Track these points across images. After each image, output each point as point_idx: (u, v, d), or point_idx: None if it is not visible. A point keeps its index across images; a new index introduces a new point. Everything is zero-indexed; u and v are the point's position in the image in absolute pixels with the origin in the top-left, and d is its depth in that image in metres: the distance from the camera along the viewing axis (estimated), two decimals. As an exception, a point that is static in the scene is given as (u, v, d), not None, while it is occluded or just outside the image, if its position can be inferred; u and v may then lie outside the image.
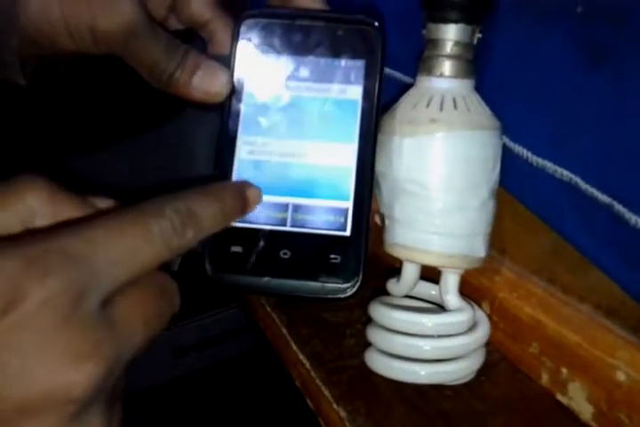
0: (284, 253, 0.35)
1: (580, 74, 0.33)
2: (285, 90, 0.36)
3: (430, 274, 0.40)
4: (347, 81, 0.36)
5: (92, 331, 0.22)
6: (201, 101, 0.36)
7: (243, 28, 0.36)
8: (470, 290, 0.41)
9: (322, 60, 0.36)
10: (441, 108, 0.36)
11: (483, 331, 0.38)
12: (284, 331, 0.45)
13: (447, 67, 0.36)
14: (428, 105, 0.36)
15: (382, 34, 0.36)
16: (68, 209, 0.25)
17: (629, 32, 0.31)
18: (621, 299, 0.33)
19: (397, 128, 0.36)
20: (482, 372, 0.39)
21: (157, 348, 1.12)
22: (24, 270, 0.21)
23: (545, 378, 0.38)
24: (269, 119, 0.36)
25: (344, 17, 0.36)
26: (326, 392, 0.39)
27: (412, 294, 0.41)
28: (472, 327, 0.38)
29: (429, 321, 0.37)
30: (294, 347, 0.43)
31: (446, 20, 0.35)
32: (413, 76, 0.38)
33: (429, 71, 0.36)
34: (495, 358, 0.41)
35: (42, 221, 0.25)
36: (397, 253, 0.38)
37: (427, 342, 0.37)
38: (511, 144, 0.38)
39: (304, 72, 0.36)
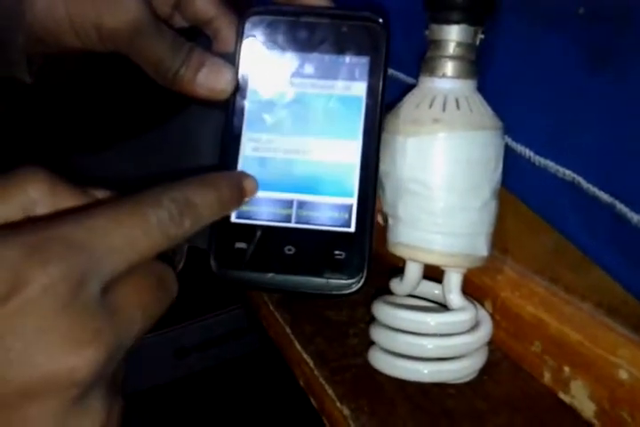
0: (289, 250, 0.35)
1: (582, 74, 0.34)
2: (290, 87, 0.36)
3: (433, 273, 0.40)
4: (351, 78, 0.36)
5: (93, 317, 0.22)
6: (206, 98, 0.36)
7: (247, 26, 0.36)
8: (473, 289, 0.41)
9: (326, 57, 0.36)
10: (443, 109, 0.36)
11: (485, 330, 0.38)
12: (288, 330, 0.45)
13: (450, 67, 0.36)
14: (430, 105, 0.36)
15: (387, 30, 0.36)
16: (67, 200, 0.26)
17: (631, 33, 0.31)
18: (623, 298, 0.34)
19: (401, 128, 0.36)
20: (484, 371, 0.39)
21: (159, 348, 1.12)
22: (26, 257, 0.21)
23: (547, 377, 0.38)
24: (274, 116, 0.36)
25: (349, 14, 0.36)
26: (330, 391, 0.39)
27: (415, 293, 0.41)
28: (474, 326, 0.38)
29: (432, 320, 0.38)
30: (298, 346, 0.44)
31: (449, 21, 0.36)
32: (416, 76, 0.38)
33: (432, 72, 0.37)
34: (497, 356, 0.41)
35: (42, 211, 0.25)
36: (400, 252, 0.38)
37: (430, 340, 0.37)
38: (513, 144, 0.38)
39: (308, 69, 0.36)
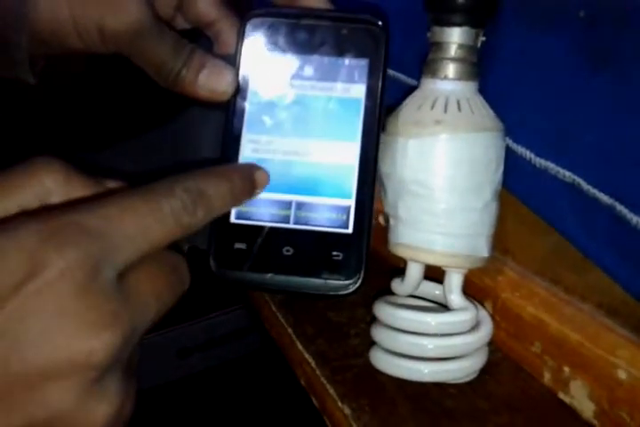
0: (287, 250, 0.35)
1: (583, 76, 0.34)
2: (290, 88, 0.37)
3: (434, 274, 0.40)
4: (350, 80, 0.36)
5: (109, 301, 0.23)
6: (207, 100, 0.36)
7: (248, 28, 0.37)
8: (473, 290, 0.41)
9: (326, 59, 0.36)
10: (445, 110, 0.36)
11: (486, 330, 0.39)
12: (290, 330, 0.46)
13: (451, 69, 0.36)
14: (432, 107, 0.36)
15: (386, 33, 0.36)
16: (81, 190, 0.26)
17: (631, 35, 0.31)
18: (622, 298, 0.34)
19: (402, 129, 0.37)
20: (485, 371, 0.40)
21: (162, 348, 1.13)
22: (43, 242, 0.22)
23: (547, 377, 0.39)
24: (274, 118, 0.36)
25: (348, 16, 0.36)
26: (331, 390, 0.40)
27: (417, 293, 0.41)
28: (475, 326, 0.38)
29: (433, 320, 0.38)
30: (299, 346, 0.44)
31: (451, 24, 0.36)
32: (418, 78, 0.38)
33: (434, 73, 0.37)
34: (498, 357, 0.41)
35: (57, 200, 0.26)
36: (402, 252, 0.38)
37: (430, 340, 0.38)
38: (514, 146, 0.38)
39: (308, 71, 0.36)
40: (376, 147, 0.36)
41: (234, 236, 0.36)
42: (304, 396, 0.43)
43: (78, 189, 0.26)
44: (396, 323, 0.38)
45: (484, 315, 0.40)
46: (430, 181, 0.36)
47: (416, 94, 0.38)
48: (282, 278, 0.35)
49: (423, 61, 0.38)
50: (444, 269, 0.39)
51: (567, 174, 0.35)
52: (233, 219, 0.36)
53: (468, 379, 0.39)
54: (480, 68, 0.37)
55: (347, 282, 0.35)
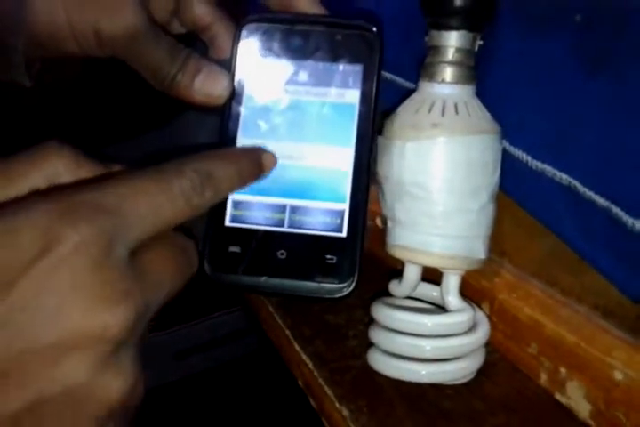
0: (282, 254, 0.36)
1: (580, 79, 0.34)
2: (284, 93, 0.37)
3: (432, 276, 0.41)
4: (345, 85, 0.37)
5: (123, 277, 0.23)
6: (202, 104, 0.36)
7: (243, 33, 0.37)
8: (470, 292, 0.42)
9: (320, 65, 0.37)
10: (442, 114, 0.36)
11: (483, 331, 0.39)
12: (287, 332, 0.46)
13: (449, 73, 0.37)
14: (429, 110, 0.37)
15: (380, 39, 0.36)
16: (90, 173, 0.27)
17: (628, 37, 0.32)
18: (618, 300, 0.34)
19: (400, 132, 0.37)
20: (482, 372, 0.40)
21: (160, 350, 1.12)
22: (57, 218, 0.22)
23: (544, 378, 0.39)
24: (268, 122, 0.37)
25: (343, 22, 0.37)
26: (329, 392, 0.40)
27: (414, 295, 0.42)
28: (472, 328, 0.39)
29: (430, 321, 0.38)
30: (297, 347, 0.44)
31: (448, 28, 0.36)
32: (415, 81, 0.39)
33: (431, 77, 0.37)
34: (495, 358, 0.42)
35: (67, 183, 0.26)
36: (399, 254, 0.38)
37: (428, 341, 0.38)
38: (511, 148, 0.38)
39: (303, 76, 0.37)
40: (370, 151, 0.36)
41: (228, 239, 0.36)
42: (302, 397, 0.44)
43: (87, 172, 0.27)
44: (394, 324, 0.39)
45: (481, 316, 0.40)
46: (428, 184, 0.36)
47: (414, 98, 0.38)
48: (276, 282, 0.36)
49: (420, 65, 0.38)
50: (441, 270, 0.39)
51: (564, 177, 0.35)
52: (227, 222, 0.36)
53: (465, 380, 0.40)
54: (477, 71, 0.37)
55: (340, 285, 0.35)
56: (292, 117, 0.37)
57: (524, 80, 0.38)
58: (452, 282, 0.39)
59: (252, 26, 0.37)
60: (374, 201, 0.40)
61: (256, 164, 0.34)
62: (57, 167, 0.26)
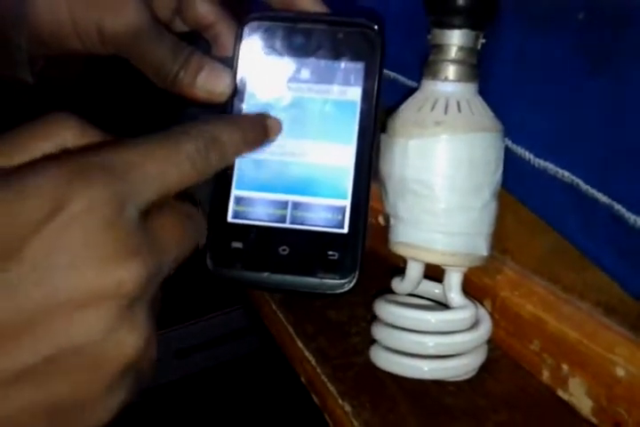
0: (283, 250, 0.36)
1: (581, 78, 0.34)
2: (286, 91, 0.37)
3: (434, 273, 0.41)
4: (346, 83, 0.37)
5: (135, 235, 0.24)
6: (205, 101, 0.37)
7: (246, 31, 0.37)
8: (473, 289, 0.42)
9: (322, 62, 0.37)
10: (445, 112, 0.36)
11: (485, 328, 0.39)
12: (290, 329, 0.46)
13: (451, 71, 0.37)
14: (432, 108, 0.37)
15: (382, 37, 0.37)
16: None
17: (631, 36, 0.32)
18: (620, 297, 0.34)
19: (403, 130, 0.37)
20: (484, 368, 0.40)
21: (160, 349, 1.12)
22: (69, 178, 0.23)
23: (546, 374, 0.39)
24: None
25: (345, 20, 0.37)
26: (332, 388, 0.40)
27: (416, 292, 0.42)
28: (474, 325, 0.39)
29: (433, 318, 0.38)
30: (300, 344, 0.44)
31: (451, 26, 0.36)
32: (418, 80, 0.39)
33: (434, 75, 0.37)
34: (497, 355, 0.42)
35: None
36: (402, 251, 0.39)
37: (430, 338, 0.38)
38: (513, 146, 0.38)
39: (305, 73, 0.37)
40: (371, 148, 0.36)
41: (231, 235, 0.36)
42: (304, 396, 0.44)
43: (95, 142, 0.27)
44: (397, 321, 0.39)
45: (484, 313, 0.40)
46: (430, 181, 0.37)
47: (416, 96, 0.38)
48: (278, 277, 0.36)
49: (423, 63, 0.38)
50: (443, 267, 0.39)
51: (566, 175, 0.36)
52: (230, 218, 0.36)
53: (467, 377, 0.40)
54: (480, 69, 0.37)
55: (342, 281, 0.35)
56: (293, 115, 0.37)
57: (526, 78, 0.38)
58: (454, 279, 0.39)
59: (255, 24, 0.37)
60: (376, 199, 0.40)
61: (261, 128, 0.34)
62: (65, 136, 0.26)
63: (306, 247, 0.36)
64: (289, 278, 0.36)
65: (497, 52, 0.39)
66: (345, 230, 0.36)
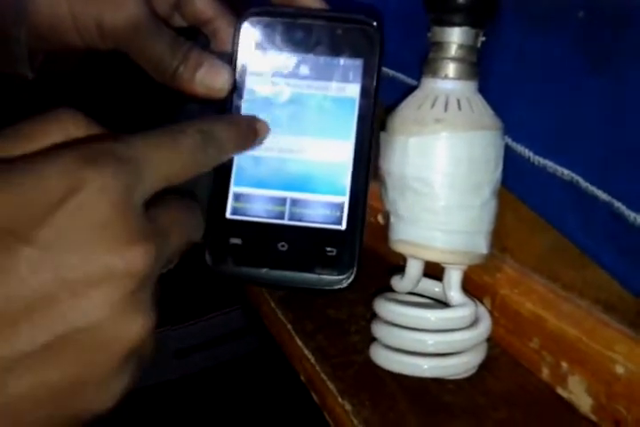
0: (282, 246, 0.36)
1: (581, 76, 0.34)
2: (285, 87, 0.37)
3: (434, 272, 0.41)
4: (345, 79, 0.37)
5: (143, 220, 0.24)
6: (203, 97, 0.37)
7: (245, 26, 0.37)
8: (472, 287, 0.42)
9: (321, 59, 0.37)
10: (445, 109, 0.37)
11: (485, 326, 0.39)
12: (289, 327, 0.46)
13: (451, 69, 0.37)
14: (432, 106, 0.37)
15: (380, 33, 0.37)
16: None
17: (630, 36, 0.32)
18: (619, 294, 0.34)
19: (403, 128, 0.37)
20: (483, 366, 0.40)
21: (160, 348, 1.12)
22: (81, 164, 0.23)
23: (545, 372, 0.39)
24: (269, 115, 0.37)
25: (344, 17, 0.37)
26: (331, 386, 0.40)
27: (416, 290, 0.42)
28: (474, 323, 0.39)
29: (433, 316, 0.38)
30: (299, 342, 0.44)
31: (451, 24, 0.36)
32: (418, 78, 0.39)
33: (434, 73, 0.37)
34: (496, 353, 0.42)
35: None
36: (401, 249, 0.39)
37: (430, 336, 0.38)
38: (513, 144, 0.39)
39: (304, 70, 0.37)
40: (370, 145, 0.37)
41: (229, 231, 0.36)
42: (302, 396, 0.44)
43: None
44: (397, 319, 0.39)
45: (483, 311, 0.40)
46: (430, 179, 0.37)
47: (416, 93, 0.38)
48: (276, 273, 0.36)
49: (423, 61, 0.38)
50: (443, 265, 0.39)
51: (565, 172, 0.36)
52: (229, 214, 0.36)
53: (467, 375, 0.40)
54: (480, 67, 0.37)
55: (340, 277, 0.36)
56: (292, 111, 0.37)
57: (526, 76, 0.38)
58: (454, 277, 0.39)
59: (254, 19, 0.37)
60: (376, 198, 0.40)
61: (252, 128, 0.35)
62: (69, 132, 0.26)
63: (304, 244, 0.36)
64: (287, 274, 0.36)
65: (497, 51, 0.39)
66: (343, 227, 0.36)
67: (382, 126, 0.39)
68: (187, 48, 0.36)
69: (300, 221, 0.36)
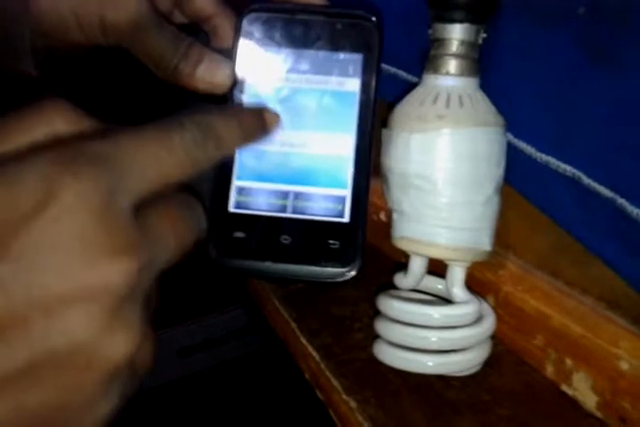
0: (285, 239, 0.36)
1: (583, 72, 0.34)
2: (286, 82, 0.37)
3: (437, 269, 0.41)
4: (345, 74, 0.37)
5: (126, 228, 0.22)
6: (205, 92, 0.37)
7: (245, 22, 0.37)
8: (475, 284, 0.42)
9: (321, 54, 0.37)
10: (447, 106, 0.36)
11: (488, 323, 0.39)
12: (293, 325, 0.46)
13: (453, 65, 0.37)
14: (434, 102, 0.37)
15: (380, 28, 0.37)
16: (90, 131, 0.26)
17: (631, 31, 0.32)
18: (623, 291, 0.34)
19: (405, 124, 0.37)
20: (488, 363, 0.40)
21: (162, 348, 1.13)
22: (57, 169, 0.22)
23: (549, 369, 0.39)
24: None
25: (343, 12, 0.37)
26: (336, 384, 0.40)
27: (419, 287, 0.42)
28: (478, 319, 0.39)
29: (436, 313, 0.38)
30: (303, 340, 0.44)
31: (452, 20, 0.36)
32: (418, 75, 0.39)
33: (436, 69, 0.37)
34: (500, 350, 0.42)
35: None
36: (404, 246, 0.39)
37: (434, 333, 0.38)
38: (515, 141, 0.38)
39: (304, 65, 0.37)
40: (370, 138, 0.37)
41: (233, 225, 0.36)
42: (306, 395, 0.44)
43: (87, 130, 0.26)
44: (400, 316, 0.39)
45: (487, 308, 0.40)
46: (433, 176, 0.37)
47: (418, 90, 0.38)
48: (280, 266, 0.36)
49: (424, 59, 0.38)
50: (446, 262, 0.39)
51: (568, 168, 0.36)
52: (232, 208, 0.36)
53: (471, 372, 0.40)
54: (481, 64, 0.37)
55: (343, 269, 0.36)
56: (293, 105, 0.37)
57: (527, 73, 0.38)
58: (457, 274, 0.39)
59: (254, 15, 0.37)
60: (379, 195, 0.40)
61: (259, 122, 0.34)
62: (56, 124, 0.25)
63: (307, 236, 0.36)
64: (291, 267, 0.36)
65: (498, 47, 0.39)
66: (346, 219, 0.36)
67: (384, 123, 0.39)
68: (188, 44, 0.37)
69: (302, 214, 0.36)
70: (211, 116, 0.28)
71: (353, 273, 0.35)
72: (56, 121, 0.25)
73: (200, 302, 1.17)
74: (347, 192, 0.36)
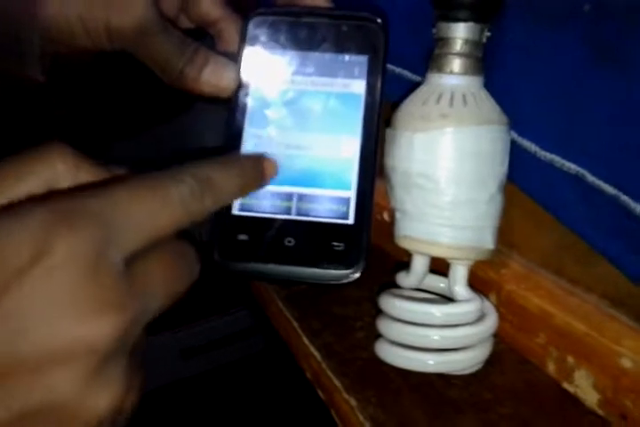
0: (289, 241, 0.36)
1: (587, 70, 0.34)
2: (291, 84, 0.37)
3: (439, 268, 0.41)
4: (350, 76, 0.37)
5: (114, 287, 0.23)
6: (210, 96, 0.37)
7: (250, 26, 0.37)
8: (478, 282, 0.42)
9: (326, 56, 0.37)
10: (451, 104, 0.37)
11: (490, 321, 0.39)
12: (295, 324, 0.46)
13: (457, 64, 0.37)
14: (438, 101, 0.37)
15: (385, 30, 0.37)
16: (90, 175, 0.26)
17: (637, 30, 0.32)
18: (627, 289, 0.34)
19: (408, 123, 0.37)
20: (489, 362, 0.40)
21: (166, 349, 1.13)
22: (50, 225, 0.22)
23: (551, 367, 0.39)
24: (275, 113, 0.37)
25: (348, 14, 0.37)
26: (337, 383, 0.40)
27: (422, 286, 0.42)
28: (480, 318, 0.39)
29: (438, 311, 0.38)
30: (305, 340, 0.44)
31: (456, 19, 0.36)
32: (422, 74, 0.39)
33: (440, 68, 0.37)
34: (502, 348, 0.42)
35: (65, 185, 0.26)
36: (407, 245, 0.39)
37: (436, 331, 0.38)
38: (519, 139, 0.38)
39: (309, 67, 0.37)
40: (376, 140, 0.37)
41: (236, 227, 0.36)
42: (308, 396, 0.44)
43: (87, 175, 0.26)
44: (402, 315, 0.39)
45: (489, 306, 0.40)
46: (436, 174, 0.37)
47: (422, 89, 0.38)
48: (284, 268, 0.36)
49: (428, 58, 0.38)
50: (448, 261, 0.39)
51: (572, 166, 0.36)
52: (236, 211, 0.36)
53: (472, 370, 0.40)
54: (485, 62, 0.37)
55: (348, 271, 0.35)
56: (298, 108, 0.37)
57: (532, 71, 0.38)
58: (459, 272, 0.39)
59: (259, 19, 0.37)
60: (382, 195, 0.40)
61: (257, 171, 0.34)
62: (56, 170, 0.25)
63: (311, 238, 0.36)
64: (295, 269, 0.36)
65: (502, 46, 0.39)
66: (350, 221, 0.36)
67: (388, 123, 0.39)
68: (193, 48, 0.37)
69: (307, 216, 0.36)
70: (210, 169, 0.28)
71: (357, 275, 0.35)
72: (56, 167, 0.25)
73: (204, 303, 1.17)
74: (351, 194, 0.36)
